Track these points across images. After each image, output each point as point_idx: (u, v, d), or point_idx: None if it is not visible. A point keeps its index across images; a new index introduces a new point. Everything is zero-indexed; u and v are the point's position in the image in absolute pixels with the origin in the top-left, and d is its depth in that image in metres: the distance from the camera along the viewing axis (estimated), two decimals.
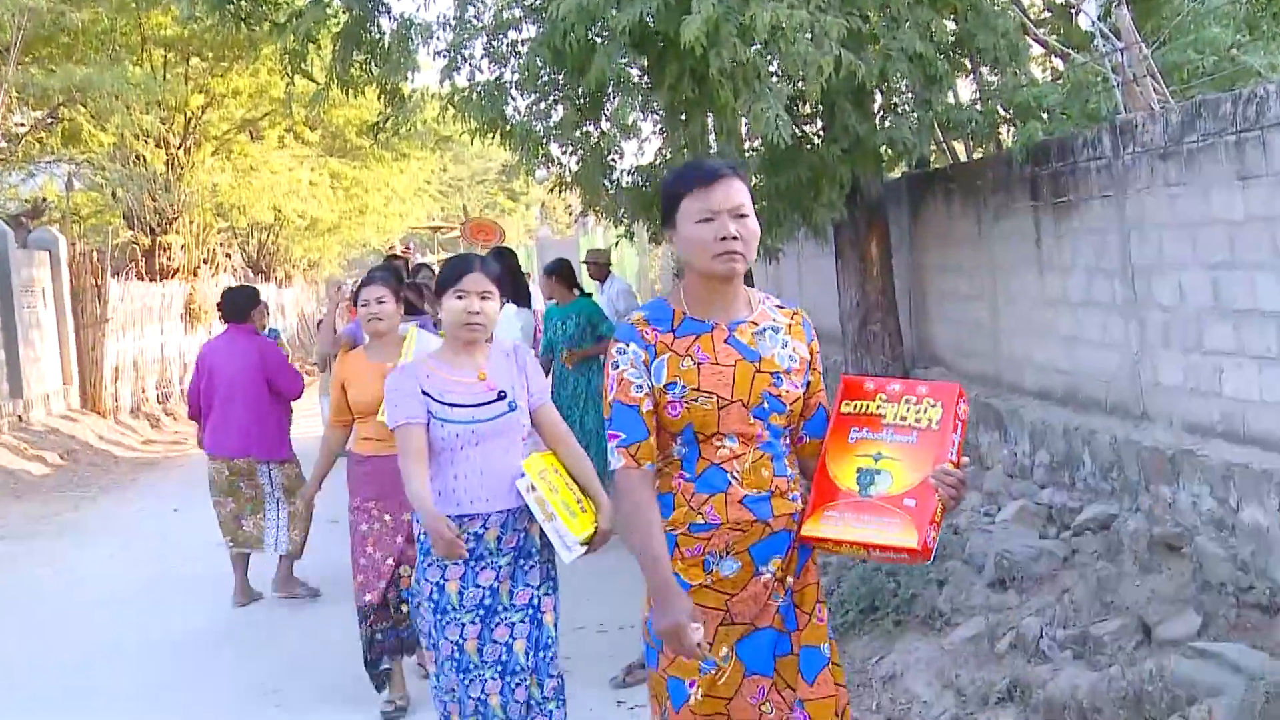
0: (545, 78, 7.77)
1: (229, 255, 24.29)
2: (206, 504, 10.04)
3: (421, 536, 3.87)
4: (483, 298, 3.91)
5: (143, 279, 18.57)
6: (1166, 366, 6.11)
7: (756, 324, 2.92)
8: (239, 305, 7.56)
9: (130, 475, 12.91)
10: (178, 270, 19.83)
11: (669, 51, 6.84)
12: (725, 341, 2.86)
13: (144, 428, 16.27)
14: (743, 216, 2.82)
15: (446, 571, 3.82)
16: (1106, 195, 6.63)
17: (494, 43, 8.01)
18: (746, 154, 8.00)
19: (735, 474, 2.83)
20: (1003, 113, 8.40)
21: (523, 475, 3.82)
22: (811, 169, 7.82)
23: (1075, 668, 4.66)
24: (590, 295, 8.98)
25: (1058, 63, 9.72)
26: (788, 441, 2.93)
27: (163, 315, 18.39)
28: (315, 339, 13.53)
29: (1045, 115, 7.85)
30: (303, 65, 9.02)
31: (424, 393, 3.80)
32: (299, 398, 7.58)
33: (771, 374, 2.87)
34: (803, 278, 13.92)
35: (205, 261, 21.01)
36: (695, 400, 2.81)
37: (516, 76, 7.85)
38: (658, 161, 8.53)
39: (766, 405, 2.85)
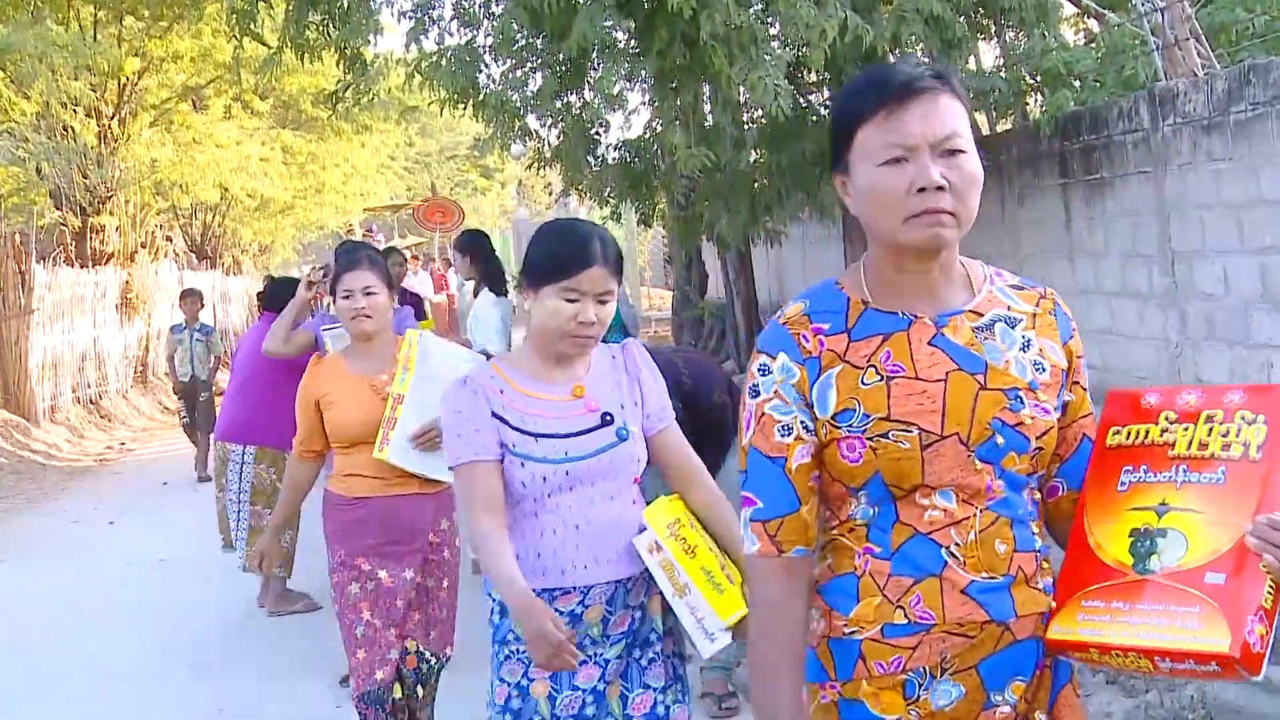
0: (522, 42, 7.82)
1: (170, 239, 24.25)
2: (145, 517, 10.07)
3: (495, 618, 3.13)
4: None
5: (73, 265, 18.51)
6: (1210, 361, 6.17)
7: (979, 314, 2.14)
8: (275, 295, 7.64)
9: (59, 484, 12.89)
10: (112, 255, 19.77)
11: (658, 14, 6.88)
12: (930, 343, 2.08)
13: (75, 431, 16.25)
14: (955, 153, 2.02)
15: (531, 668, 3.03)
16: (1144, 172, 6.68)
17: (465, 3, 8.05)
18: (746, 127, 8.04)
19: (954, 549, 2.05)
20: (1029, 80, 8.47)
21: (642, 530, 3.06)
22: (817, 143, 7.87)
23: (1108, 693, 4.71)
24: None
25: (1092, 24, 9.78)
26: (1035, 497, 2.14)
27: (95, 305, 18.34)
28: None
29: (1077, 83, 7.91)
30: (252, 26, 9.04)
31: (496, 416, 3.01)
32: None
33: (1006, 392, 2.07)
34: (807, 262, 13.97)
35: (143, 245, 20.95)
36: (886, 436, 2.04)
37: (490, 40, 7.89)
38: (646, 135, 8.57)
39: (1000, 441, 2.05)
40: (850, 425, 2.06)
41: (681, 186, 8.47)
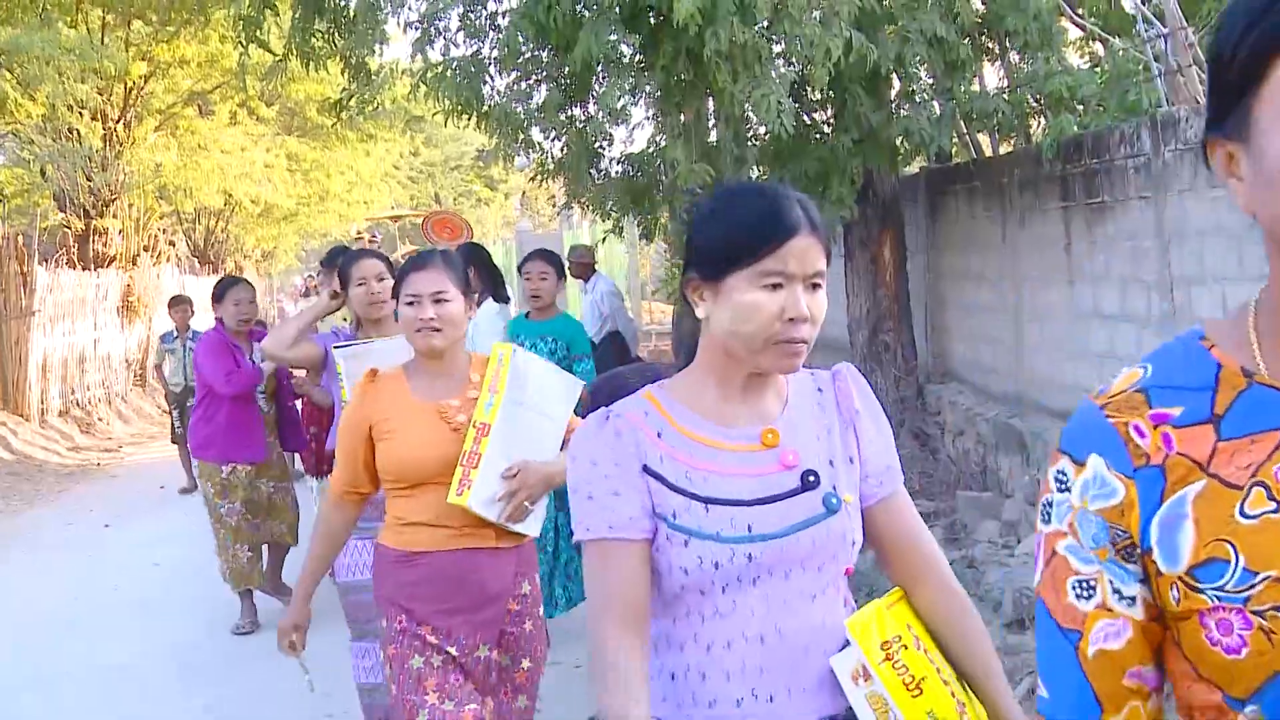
0: (527, 55, 7.84)
1: (173, 243, 24.27)
2: (141, 520, 10.08)
3: None
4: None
5: (75, 267, 18.55)
6: None
7: None
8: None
9: (58, 486, 12.89)
10: (114, 258, 19.80)
11: (663, 29, 6.91)
12: None
13: (74, 433, 16.25)
14: None
15: None
16: (1145, 197, 6.70)
17: (471, 14, 8.08)
18: (749, 144, 8.06)
19: None
20: (1033, 103, 8.48)
21: (845, 647, 2.08)
22: (820, 161, 7.89)
23: None
24: (567, 314, 8.56)
25: (1097, 48, 9.80)
26: None
27: (97, 308, 18.37)
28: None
29: (1080, 107, 7.92)
30: (258, 34, 9.07)
31: (649, 472, 2.04)
32: (232, 391, 7.14)
33: None
34: None
35: (146, 249, 20.99)
36: None
37: (495, 53, 7.91)
38: (650, 150, 8.59)
39: None
40: (1222, 589, 1.21)
41: (683, 201, 8.48)
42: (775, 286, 1.96)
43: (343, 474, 3.61)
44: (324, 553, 3.73)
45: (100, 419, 17.39)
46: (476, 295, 7.59)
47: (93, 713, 5.88)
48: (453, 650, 3.49)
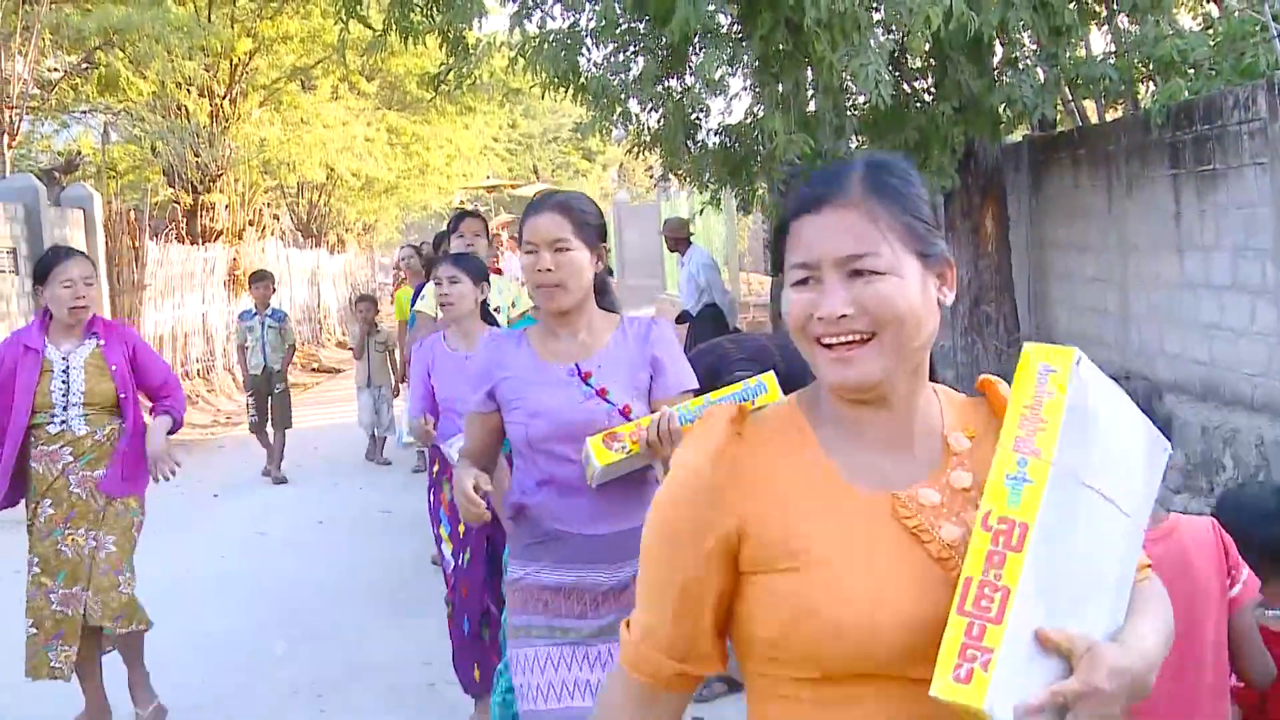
0: (624, 26, 7.80)
1: (276, 217, 24.70)
2: (249, 490, 10.31)
3: None
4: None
5: (183, 241, 18.92)
6: None
7: None
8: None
9: None
10: (221, 233, 20.18)
11: None
12: None
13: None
14: None
15: None
16: (1260, 163, 6.49)
17: None
18: (848, 114, 7.96)
19: None
20: (1141, 68, 8.26)
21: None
22: (920, 130, 7.76)
23: None
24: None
25: (1210, 9, 9.52)
26: None
27: (204, 281, 18.73)
28: (355, 316, 12.77)
29: (1191, 71, 7.70)
30: (358, 9, 9.14)
31: None
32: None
33: None
34: None
35: (251, 223, 21.37)
36: None
37: (592, 24, 7.89)
38: (747, 120, 8.52)
39: None
40: None
41: (781, 173, 8.40)
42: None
43: (662, 638, 1.61)
44: None
45: (209, 391, 17.77)
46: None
47: (197, 680, 6.02)
48: None
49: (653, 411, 3.14)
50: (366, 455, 11.59)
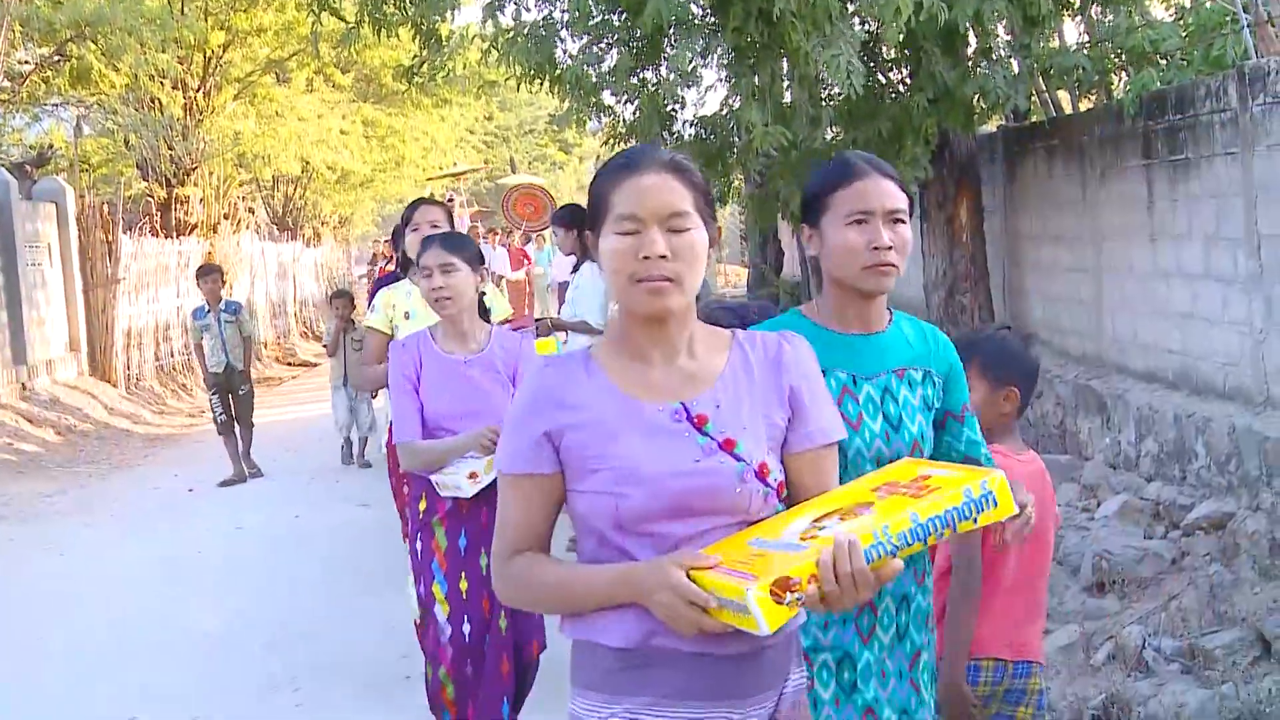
0: (598, 18, 7.80)
1: (252, 210, 24.58)
2: (223, 487, 10.28)
3: None
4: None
5: (157, 235, 18.83)
6: None
7: None
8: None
9: (143, 451, 13.14)
10: (196, 226, 20.10)
11: None
12: None
13: (158, 399, 16.56)
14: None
15: None
16: (1231, 153, 6.53)
17: None
18: (823, 104, 7.97)
19: None
20: (1114, 58, 8.30)
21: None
22: (894, 121, 7.79)
23: (1182, 684, 4.64)
24: None
25: (1181, 0, 9.57)
26: None
27: (179, 275, 18.65)
28: (331, 312, 12.08)
29: (1163, 61, 7.74)
30: (331, 2, 9.09)
31: None
32: None
33: None
34: None
35: (226, 217, 21.28)
36: None
37: (566, 16, 7.88)
38: (724, 112, 8.52)
39: None
40: None
41: (757, 164, 8.41)
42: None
43: None
44: None
45: (183, 385, 17.69)
46: (576, 258, 7.61)
47: (174, 673, 6.00)
48: None
49: (788, 473, 2.20)
50: (342, 460, 11.09)
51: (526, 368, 4.07)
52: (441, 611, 4.14)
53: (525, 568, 2.16)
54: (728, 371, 2.19)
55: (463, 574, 4.15)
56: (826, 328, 2.62)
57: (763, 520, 2.12)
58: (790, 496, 2.19)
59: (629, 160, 2.17)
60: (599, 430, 2.12)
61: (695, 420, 2.13)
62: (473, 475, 4.07)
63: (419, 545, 4.25)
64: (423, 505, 4.24)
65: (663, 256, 2.07)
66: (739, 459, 2.11)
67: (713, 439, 2.11)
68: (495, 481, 2.36)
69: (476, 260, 4.23)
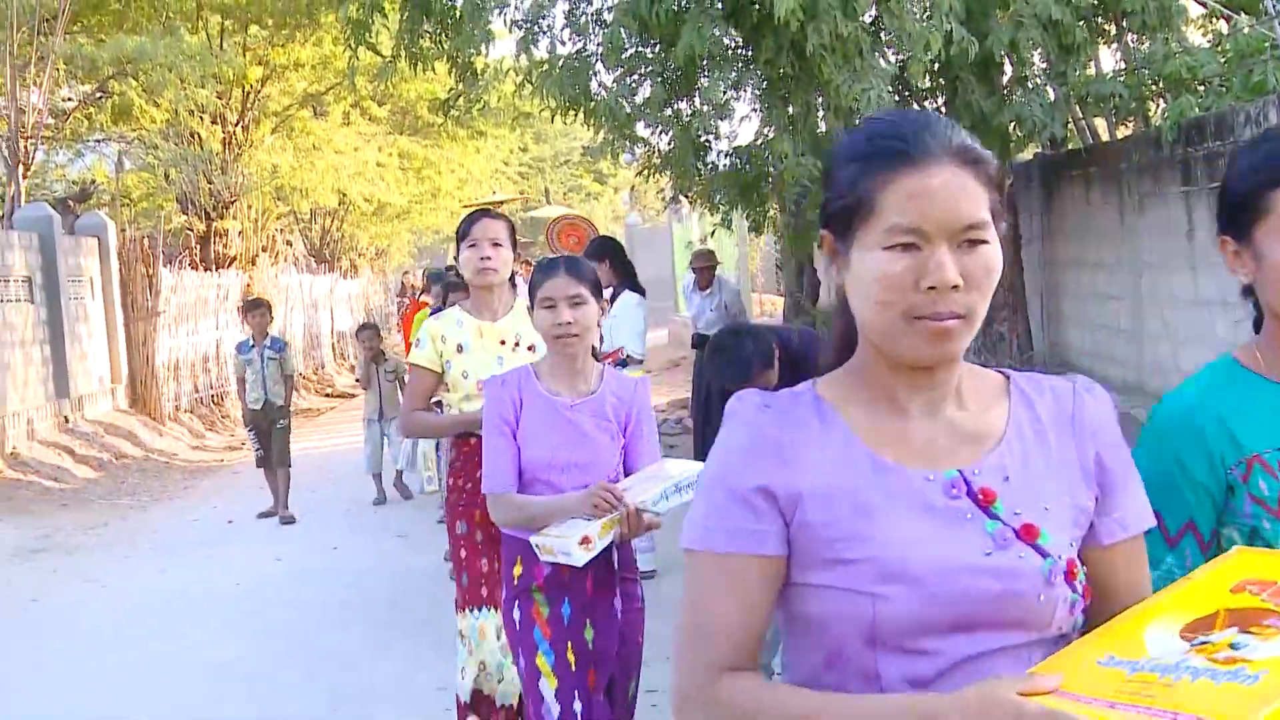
0: (631, 51, 7.84)
1: (290, 243, 24.81)
2: (262, 517, 10.32)
3: None
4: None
5: (197, 268, 19.02)
6: None
7: None
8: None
9: (183, 483, 13.23)
10: (235, 259, 20.27)
11: (765, 23, 6.85)
12: None
13: (197, 431, 16.67)
14: None
15: None
16: None
17: (575, 12, 8.11)
18: None
19: None
20: (1151, 85, 8.25)
21: None
22: None
23: None
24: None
25: (1220, 25, 9.51)
26: None
27: (219, 308, 18.80)
28: (359, 345, 12.18)
29: (1201, 88, 7.68)
30: (367, 36, 9.18)
31: None
32: None
33: None
34: None
35: (264, 249, 21.48)
36: None
37: (600, 49, 7.92)
38: (758, 142, 8.53)
39: None
40: None
41: (793, 194, 8.41)
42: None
43: None
44: None
45: (223, 417, 17.81)
46: (613, 288, 7.65)
47: (213, 704, 6.01)
48: None
49: (1092, 572, 1.54)
50: (374, 502, 10.83)
51: (643, 415, 3.65)
52: (548, 687, 3.53)
53: (751, 696, 1.48)
54: (1012, 430, 1.57)
55: (569, 644, 3.55)
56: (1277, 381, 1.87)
57: (1068, 636, 1.50)
58: (1093, 603, 1.53)
59: (905, 142, 1.48)
60: (848, 502, 1.49)
61: (980, 497, 1.51)
62: (585, 540, 3.35)
63: (516, 615, 3.62)
64: (517, 570, 3.63)
65: (954, 286, 1.44)
66: (1044, 553, 1.49)
67: (1006, 524, 1.50)
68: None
69: (599, 289, 3.66)
